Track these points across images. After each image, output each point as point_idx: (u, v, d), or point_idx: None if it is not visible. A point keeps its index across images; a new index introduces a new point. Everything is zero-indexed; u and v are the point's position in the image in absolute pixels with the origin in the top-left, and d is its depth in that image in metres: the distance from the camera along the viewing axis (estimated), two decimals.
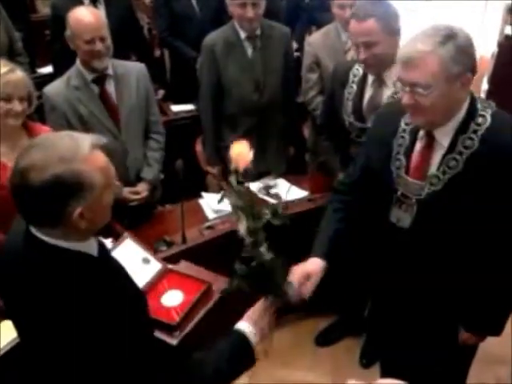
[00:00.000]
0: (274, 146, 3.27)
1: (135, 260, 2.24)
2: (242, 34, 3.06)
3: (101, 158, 1.29)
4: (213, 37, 3.13)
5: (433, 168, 1.78)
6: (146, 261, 2.24)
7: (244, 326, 1.54)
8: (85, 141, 1.27)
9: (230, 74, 3.08)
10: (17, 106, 2.21)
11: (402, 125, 1.87)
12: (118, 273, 1.49)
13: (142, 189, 2.82)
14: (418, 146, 1.83)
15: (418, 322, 2.02)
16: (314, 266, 1.90)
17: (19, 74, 2.24)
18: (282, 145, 3.37)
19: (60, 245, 1.30)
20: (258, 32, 3.07)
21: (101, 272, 1.37)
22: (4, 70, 2.19)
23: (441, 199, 1.77)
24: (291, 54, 3.28)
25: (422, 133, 1.81)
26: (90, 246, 1.38)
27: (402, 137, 1.86)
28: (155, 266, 2.22)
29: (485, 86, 4.38)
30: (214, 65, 3.09)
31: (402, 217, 1.88)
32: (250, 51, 3.10)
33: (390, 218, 1.92)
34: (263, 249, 1.56)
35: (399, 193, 1.87)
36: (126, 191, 2.75)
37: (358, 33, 2.31)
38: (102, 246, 1.47)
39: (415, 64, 1.62)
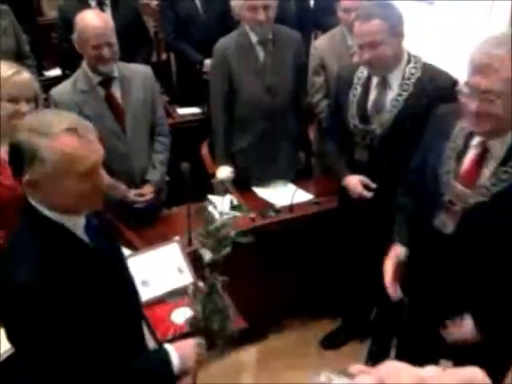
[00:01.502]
0: (284, 150, 3.26)
1: (171, 265, 2.25)
2: (254, 38, 3.07)
3: (69, 143, 1.35)
4: (225, 41, 3.14)
5: (483, 178, 1.75)
6: (180, 270, 2.23)
7: (170, 348, 1.61)
8: (63, 122, 1.36)
9: (241, 77, 3.09)
10: (24, 108, 2.22)
11: (457, 129, 1.83)
12: (102, 260, 1.52)
13: (148, 191, 2.82)
14: (471, 153, 1.79)
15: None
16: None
17: (26, 75, 2.25)
18: (293, 150, 3.36)
19: (44, 212, 1.41)
20: (270, 36, 3.07)
21: (76, 249, 1.45)
22: (11, 71, 2.20)
23: (487, 210, 1.73)
24: (302, 59, 3.27)
25: (476, 140, 1.77)
26: (74, 223, 1.46)
27: (455, 141, 1.83)
28: (186, 278, 2.20)
29: None
30: (226, 69, 3.09)
31: (446, 222, 1.85)
32: (261, 55, 3.10)
33: (433, 222, 1.89)
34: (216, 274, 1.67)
35: (446, 198, 1.83)
36: (132, 193, 2.76)
37: (362, 33, 2.31)
38: (103, 233, 1.56)
39: (489, 70, 1.58)
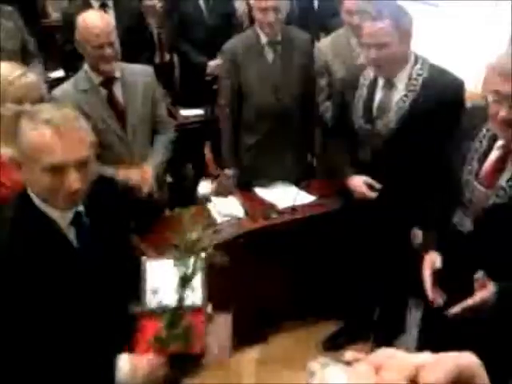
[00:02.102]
0: (290, 151, 3.26)
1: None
2: (263, 39, 3.08)
3: (40, 134, 1.39)
4: (234, 41, 3.16)
5: (502, 180, 1.77)
6: (192, 288, 1.91)
7: (123, 358, 1.56)
8: (48, 113, 1.42)
9: (249, 77, 3.10)
10: (28, 109, 2.22)
11: (483, 130, 1.85)
12: (79, 256, 1.53)
13: (147, 170, 2.75)
14: (494, 154, 1.81)
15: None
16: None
17: (31, 77, 2.25)
18: (299, 151, 3.36)
19: (35, 201, 1.47)
20: (279, 37, 3.09)
21: (51, 239, 1.48)
22: (16, 73, 2.21)
23: (504, 212, 1.75)
24: (311, 61, 3.27)
25: (500, 142, 1.79)
26: (60, 217, 1.50)
27: (480, 142, 1.85)
28: (196, 298, 1.88)
29: None
30: (234, 68, 3.10)
31: (464, 221, 1.88)
32: (270, 56, 3.11)
33: (453, 218, 1.92)
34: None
35: (465, 197, 1.86)
36: (120, 174, 2.66)
37: (371, 33, 2.31)
38: (94, 233, 1.56)
39: None
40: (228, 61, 3.14)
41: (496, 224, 1.77)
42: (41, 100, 2.28)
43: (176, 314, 1.60)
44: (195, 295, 1.84)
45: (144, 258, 1.85)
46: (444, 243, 1.98)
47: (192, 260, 1.59)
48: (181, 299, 1.60)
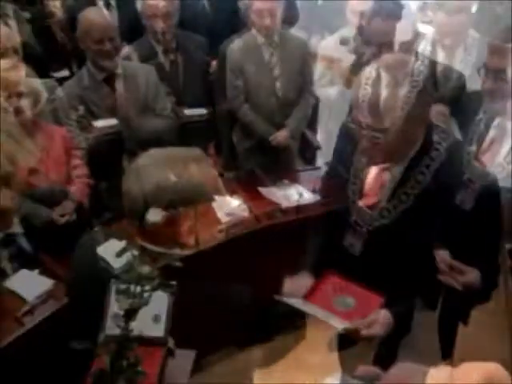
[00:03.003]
0: (289, 151, 3.26)
1: (151, 307, 1.63)
2: (260, 41, 3.08)
3: None
4: (231, 41, 3.16)
5: (500, 157, 1.86)
6: (156, 319, 1.71)
7: None
8: None
9: (246, 77, 3.10)
10: (15, 103, 2.15)
11: (481, 113, 1.95)
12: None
13: None
14: (490, 134, 1.91)
15: None
16: None
17: (19, 69, 2.22)
18: (298, 149, 3.37)
19: None
20: (276, 39, 3.09)
21: None
22: (5, 66, 2.15)
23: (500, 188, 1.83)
24: (308, 62, 3.27)
25: (496, 122, 1.89)
26: None
27: (478, 125, 1.95)
28: (158, 330, 1.69)
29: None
30: (232, 69, 3.11)
31: (466, 200, 1.96)
32: (267, 57, 3.12)
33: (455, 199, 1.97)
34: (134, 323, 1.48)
35: (465, 177, 1.94)
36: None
37: (382, 31, 2.33)
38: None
39: (500, 51, 1.73)
40: (224, 61, 3.15)
41: (495, 198, 1.84)
42: (33, 95, 2.20)
43: (121, 350, 1.45)
44: (158, 326, 1.69)
45: (113, 280, 1.64)
46: (446, 222, 2.00)
47: (137, 289, 1.44)
48: (126, 330, 1.44)
